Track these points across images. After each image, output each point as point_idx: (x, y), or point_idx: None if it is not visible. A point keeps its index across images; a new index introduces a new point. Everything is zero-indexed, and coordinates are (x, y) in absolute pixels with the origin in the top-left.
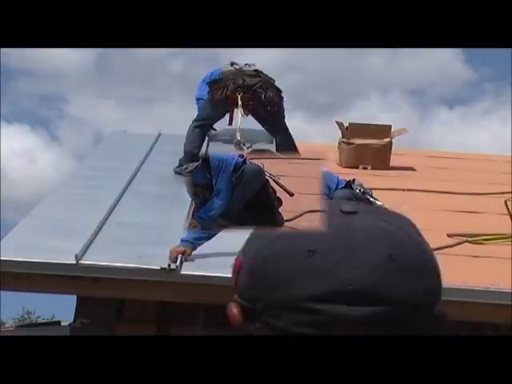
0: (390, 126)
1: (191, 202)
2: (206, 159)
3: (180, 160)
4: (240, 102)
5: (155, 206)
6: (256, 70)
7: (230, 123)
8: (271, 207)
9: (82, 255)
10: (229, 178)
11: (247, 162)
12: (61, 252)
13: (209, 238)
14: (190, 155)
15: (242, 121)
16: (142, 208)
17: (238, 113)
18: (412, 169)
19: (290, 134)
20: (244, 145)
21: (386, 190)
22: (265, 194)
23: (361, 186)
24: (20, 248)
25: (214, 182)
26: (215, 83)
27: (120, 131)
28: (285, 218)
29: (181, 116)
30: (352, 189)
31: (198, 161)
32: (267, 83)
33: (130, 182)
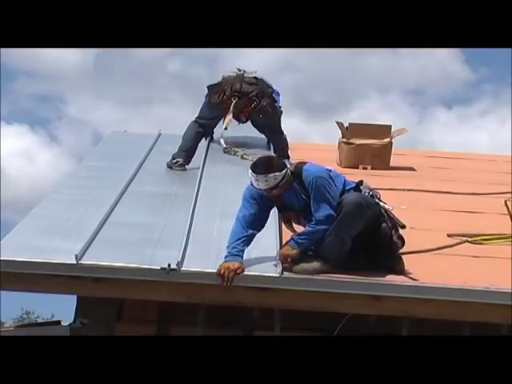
0: (390, 126)
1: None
2: (298, 173)
3: (173, 154)
4: (231, 108)
5: (155, 206)
6: (256, 78)
7: (226, 128)
8: (387, 249)
9: (82, 255)
10: (335, 198)
11: (361, 188)
12: (61, 252)
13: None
14: (181, 149)
15: (229, 125)
16: (141, 208)
17: (226, 118)
18: (412, 169)
19: (285, 137)
20: (234, 149)
21: (386, 190)
22: (376, 231)
23: (369, 188)
24: (20, 248)
25: (312, 205)
26: (214, 87)
27: (120, 131)
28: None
29: (180, 116)
30: (360, 191)
31: (188, 155)
32: (263, 92)
33: (130, 182)
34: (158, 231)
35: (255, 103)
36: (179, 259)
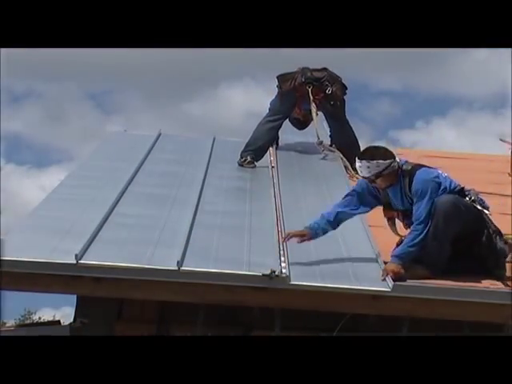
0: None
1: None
2: (410, 174)
3: (241, 153)
4: (311, 96)
5: (155, 206)
6: (323, 68)
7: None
8: (492, 253)
9: (82, 255)
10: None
11: (465, 191)
12: (61, 252)
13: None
14: (251, 148)
15: (317, 119)
16: (142, 208)
17: (313, 112)
18: None
19: (350, 128)
20: (324, 144)
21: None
22: (479, 235)
23: (475, 194)
24: (20, 248)
25: (414, 208)
26: (284, 76)
27: (120, 131)
28: None
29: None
30: (465, 194)
31: (258, 154)
32: (334, 78)
33: (129, 182)
34: (157, 231)
35: (328, 88)
36: (179, 259)
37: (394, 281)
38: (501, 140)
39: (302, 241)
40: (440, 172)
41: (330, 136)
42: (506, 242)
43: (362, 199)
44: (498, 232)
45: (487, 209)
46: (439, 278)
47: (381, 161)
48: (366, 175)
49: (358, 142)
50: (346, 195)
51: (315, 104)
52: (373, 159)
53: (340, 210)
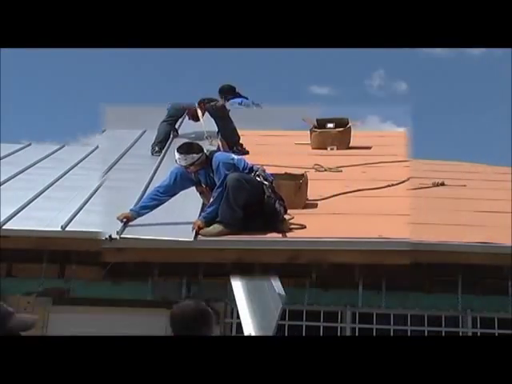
0: (347, 119)
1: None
2: (209, 159)
3: (152, 145)
4: (199, 111)
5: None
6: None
7: (196, 120)
8: (274, 213)
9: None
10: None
11: (254, 168)
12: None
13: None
14: (158, 141)
15: (203, 121)
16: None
17: (200, 116)
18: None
19: (231, 122)
20: (211, 138)
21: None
22: (262, 201)
23: (262, 170)
24: None
25: (217, 183)
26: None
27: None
28: None
29: None
30: (253, 170)
31: (163, 145)
32: (213, 99)
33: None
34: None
35: (211, 105)
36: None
37: (198, 233)
38: (303, 119)
39: (127, 221)
40: (234, 156)
41: (218, 129)
42: (281, 205)
43: (179, 184)
44: (278, 197)
45: (270, 181)
46: (237, 234)
47: (194, 154)
48: (183, 164)
49: (236, 131)
50: (165, 184)
51: (201, 110)
52: (188, 153)
53: (160, 197)
